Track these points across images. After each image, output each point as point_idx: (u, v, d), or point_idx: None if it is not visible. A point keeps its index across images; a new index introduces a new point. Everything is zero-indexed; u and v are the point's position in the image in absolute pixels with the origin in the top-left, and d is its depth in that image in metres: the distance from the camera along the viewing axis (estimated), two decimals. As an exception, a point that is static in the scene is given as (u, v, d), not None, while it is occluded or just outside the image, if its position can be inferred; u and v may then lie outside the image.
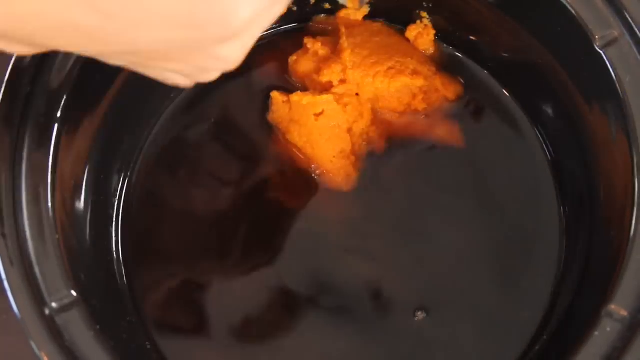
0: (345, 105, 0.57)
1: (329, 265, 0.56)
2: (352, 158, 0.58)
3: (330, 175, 0.58)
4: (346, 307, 0.55)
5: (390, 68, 0.58)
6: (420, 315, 0.55)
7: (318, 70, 0.58)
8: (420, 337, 0.55)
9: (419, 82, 0.58)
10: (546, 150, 0.59)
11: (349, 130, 0.58)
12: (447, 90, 0.59)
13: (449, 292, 0.55)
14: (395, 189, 0.58)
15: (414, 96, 0.58)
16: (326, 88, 0.58)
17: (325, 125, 0.57)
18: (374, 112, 0.58)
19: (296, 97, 0.57)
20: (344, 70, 0.57)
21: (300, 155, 0.58)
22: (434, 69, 0.59)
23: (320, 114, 0.57)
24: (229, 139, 0.60)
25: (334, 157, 0.58)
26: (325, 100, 0.57)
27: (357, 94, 0.58)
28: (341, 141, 0.58)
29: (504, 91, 0.60)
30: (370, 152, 0.59)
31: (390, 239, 0.57)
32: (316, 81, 0.58)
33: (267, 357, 0.55)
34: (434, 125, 0.59)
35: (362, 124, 0.58)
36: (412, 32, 0.61)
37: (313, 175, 0.58)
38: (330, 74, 0.57)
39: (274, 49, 0.61)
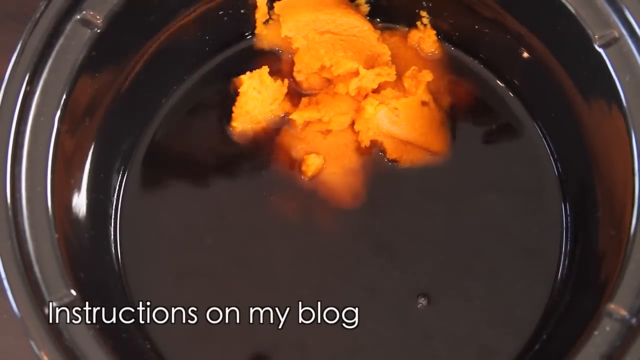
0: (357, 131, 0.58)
1: (328, 274, 0.56)
2: (360, 176, 0.58)
3: (337, 192, 0.58)
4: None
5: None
6: (422, 302, 0.55)
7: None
8: (420, 331, 0.55)
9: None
10: (548, 150, 0.59)
11: (357, 149, 0.58)
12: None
13: (450, 291, 0.56)
14: (401, 201, 0.58)
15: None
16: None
17: (333, 143, 0.58)
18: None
19: (299, 115, 0.58)
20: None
21: (307, 172, 0.58)
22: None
23: (328, 132, 0.58)
24: (230, 145, 0.60)
25: (342, 174, 0.58)
26: (334, 122, 0.58)
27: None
28: (348, 160, 0.58)
29: (506, 89, 0.60)
30: (377, 169, 0.59)
31: (394, 245, 0.57)
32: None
33: (267, 355, 0.55)
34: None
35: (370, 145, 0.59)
36: (413, 37, 0.61)
37: (317, 190, 0.58)
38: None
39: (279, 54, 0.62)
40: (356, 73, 0.58)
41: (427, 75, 0.58)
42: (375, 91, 0.58)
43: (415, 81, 0.58)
